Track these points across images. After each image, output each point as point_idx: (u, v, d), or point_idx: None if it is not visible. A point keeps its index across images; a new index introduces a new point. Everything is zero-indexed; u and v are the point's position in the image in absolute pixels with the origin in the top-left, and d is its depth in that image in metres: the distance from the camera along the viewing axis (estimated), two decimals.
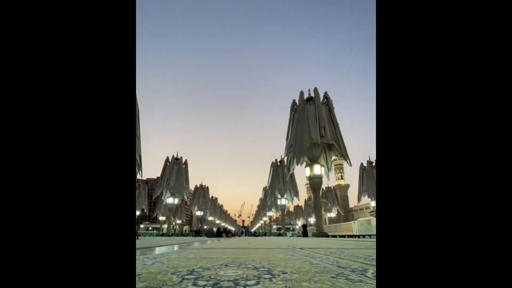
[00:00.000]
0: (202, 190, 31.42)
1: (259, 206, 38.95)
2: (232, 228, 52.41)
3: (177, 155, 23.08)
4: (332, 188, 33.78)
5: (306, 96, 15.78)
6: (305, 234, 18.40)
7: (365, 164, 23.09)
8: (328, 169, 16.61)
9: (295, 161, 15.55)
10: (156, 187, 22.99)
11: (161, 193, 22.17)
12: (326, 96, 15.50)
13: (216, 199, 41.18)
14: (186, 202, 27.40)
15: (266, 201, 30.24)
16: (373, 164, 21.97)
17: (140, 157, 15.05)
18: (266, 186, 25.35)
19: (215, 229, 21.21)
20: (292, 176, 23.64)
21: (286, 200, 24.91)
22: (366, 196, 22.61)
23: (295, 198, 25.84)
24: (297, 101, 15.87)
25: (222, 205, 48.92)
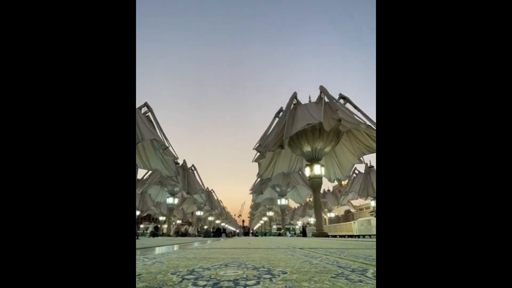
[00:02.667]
0: (207, 192, 31.50)
1: (251, 207, 38.61)
2: (233, 228, 52.53)
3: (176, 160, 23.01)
4: (336, 189, 33.64)
5: (306, 102, 14.27)
6: (304, 234, 18.35)
7: (361, 169, 22.71)
8: (343, 173, 15.58)
9: (270, 171, 14.17)
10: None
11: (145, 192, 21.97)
12: (343, 97, 13.19)
13: (221, 201, 41.40)
14: (204, 203, 27.76)
15: (256, 204, 29.87)
16: (373, 168, 21.68)
17: (174, 160, 14.72)
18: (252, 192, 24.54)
19: (208, 229, 20.86)
20: (299, 174, 22.00)
21: (286, 200, 24.56)
22: (354, 196, 22.57)
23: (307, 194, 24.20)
24: (284, 108, 13.95)
25: (225, 207, 49.48)
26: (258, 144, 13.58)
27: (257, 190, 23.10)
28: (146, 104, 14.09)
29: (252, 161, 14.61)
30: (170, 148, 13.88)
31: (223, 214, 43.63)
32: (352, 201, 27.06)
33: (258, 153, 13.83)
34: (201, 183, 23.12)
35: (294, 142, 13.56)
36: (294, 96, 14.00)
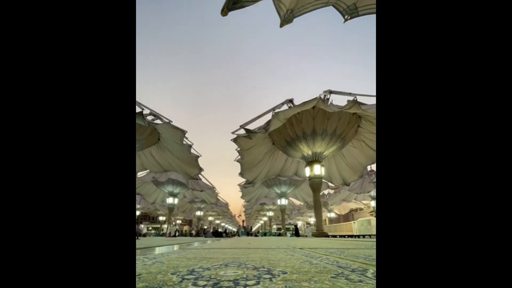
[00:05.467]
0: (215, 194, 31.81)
1: (244, 206, 38.47)
2: (233, 228, 52.68)
3: None
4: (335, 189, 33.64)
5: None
6: (297, 234, 18.38)
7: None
8: (354, 175, 15.24)
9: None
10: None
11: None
12: (356, 101, 11.18)
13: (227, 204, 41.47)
14: (215, 203, 28.47)
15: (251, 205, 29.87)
16: (373, 171, 21.61)
17: (197, 159, 14.40)
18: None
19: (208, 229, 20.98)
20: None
21: (286, 200, 24.53)
22: (348, 194, 22.59)
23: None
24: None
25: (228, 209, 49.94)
26: (236, 136, 12.46)
27: (244, 189, 23.08)
28: (151, 113, 13.31)
29: (234, 160, 13.94)
30: (192, 149, 13.85)
31: (228, 215, 43.79)
32: (356, 200, 27.11)
33: (239, 156, 13.54)
34: (209, 183, 23.66)
35: (291, 146, 13.37)
36: (289, 100, 12.70)
